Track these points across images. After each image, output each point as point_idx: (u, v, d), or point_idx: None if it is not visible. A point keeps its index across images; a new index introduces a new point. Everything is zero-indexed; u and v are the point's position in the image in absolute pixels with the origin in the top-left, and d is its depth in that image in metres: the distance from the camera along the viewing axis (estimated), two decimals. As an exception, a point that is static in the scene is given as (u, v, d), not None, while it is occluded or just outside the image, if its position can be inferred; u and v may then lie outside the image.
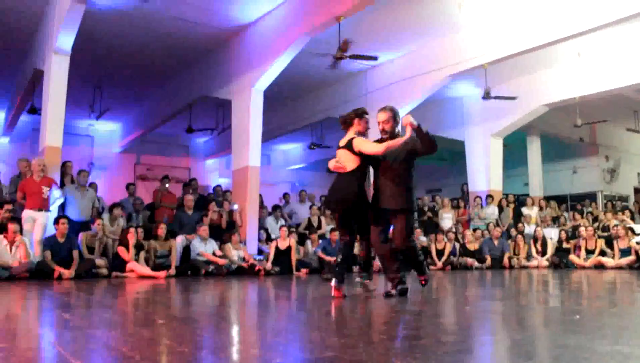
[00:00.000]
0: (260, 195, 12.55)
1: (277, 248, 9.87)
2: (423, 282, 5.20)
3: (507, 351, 2.45)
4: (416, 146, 4.71)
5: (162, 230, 9.04)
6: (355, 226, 4.83)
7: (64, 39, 8.78)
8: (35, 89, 11.41)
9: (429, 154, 4.80)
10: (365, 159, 4.77)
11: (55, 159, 8.88)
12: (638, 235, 11.05)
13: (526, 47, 9.98)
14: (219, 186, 12.95)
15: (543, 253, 11.91)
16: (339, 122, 4.96)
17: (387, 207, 4.76)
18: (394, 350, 2.50)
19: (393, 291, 4.74)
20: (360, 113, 4.88)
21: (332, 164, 4.91)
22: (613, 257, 10.89)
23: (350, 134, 4.82)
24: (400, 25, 10.65)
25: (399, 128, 4.91)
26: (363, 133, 4.86)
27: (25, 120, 14.82)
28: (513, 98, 11.96)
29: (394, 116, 4.87)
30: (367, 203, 4.85)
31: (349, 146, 4.72)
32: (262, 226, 11.20)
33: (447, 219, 13.07)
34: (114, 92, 14.36)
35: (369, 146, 4.71)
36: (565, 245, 11.86)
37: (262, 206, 12.06)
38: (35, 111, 12.12)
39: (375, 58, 9.75)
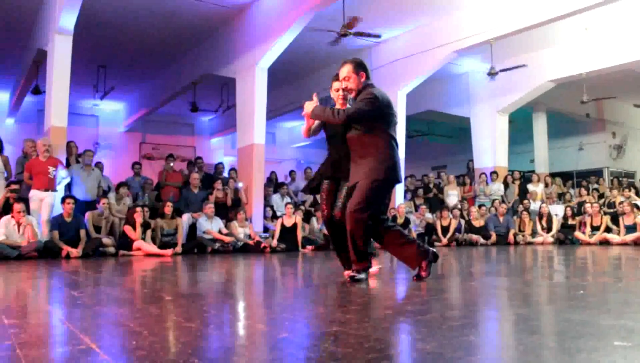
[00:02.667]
0: (273, 172, 12.62)
1: (282, 225, 9.91)
2: (348, 277, 4.06)
3: (511, 326, 2.47)
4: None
5: (168, 208, 9.08)
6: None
7: (67, 19, 8.74)
8: (39, 70, 11.40)
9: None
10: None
11: (60, 139, 8.91)
12: (644, 211, 11.02)
13: (532, 23, 9.88)
14: (220, 163, 12.97)
15: (548, 229, 11.92)
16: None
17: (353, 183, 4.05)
18: (399, 325, 2.52)
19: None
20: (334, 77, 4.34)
21: None
22: (618, 234, 10.89)
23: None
24: (405, 1, 10.54)
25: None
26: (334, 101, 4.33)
27: (30, 101, 14.84)
28: (523, 66, 11.83)
29: (356, 71, 4.11)
30: None
31: None
32: (267, 204, 11.24)
33: (452, 196, 13.09)
34: (118, 71, 14.33)
35: None
36: (570, 222, 11.87)
37: (276, 182, 12.15)
38: (39, 91, 12.12)
39: (378, 36, 9.65)
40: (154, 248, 8.35)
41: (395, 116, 4.19)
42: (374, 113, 3.98)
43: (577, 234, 11.39)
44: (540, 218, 12.10)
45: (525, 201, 12.73)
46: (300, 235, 10.04)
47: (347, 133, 4.11)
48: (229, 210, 10.15)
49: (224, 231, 9.48)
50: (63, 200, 8.17)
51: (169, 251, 8.34)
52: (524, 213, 12.22)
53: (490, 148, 14.37)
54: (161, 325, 2.48)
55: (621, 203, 11.39)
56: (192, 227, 9.51)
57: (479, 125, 14.63)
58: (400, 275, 4.92)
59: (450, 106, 15.48)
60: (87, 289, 4.01)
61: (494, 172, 13.61)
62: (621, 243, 10.54)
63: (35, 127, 15.14)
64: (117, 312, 2.87)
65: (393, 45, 12.37)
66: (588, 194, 13.57)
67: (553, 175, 15.46)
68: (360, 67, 4.13)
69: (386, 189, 4.13)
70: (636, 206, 11.32)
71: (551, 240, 11.70)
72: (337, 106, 4.26)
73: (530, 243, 11.66)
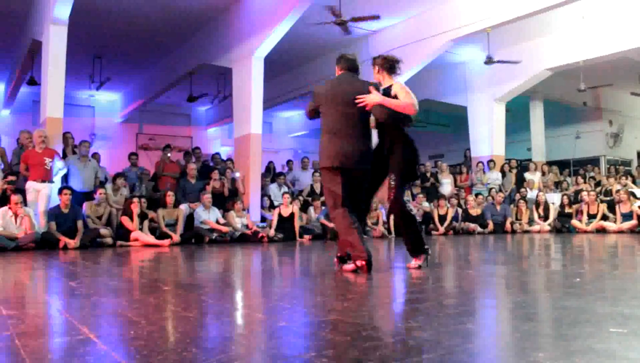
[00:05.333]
0: (271, 162, 12.63)
1: (280, 215, 9.92)
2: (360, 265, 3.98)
3: (508, 313, 2.48)
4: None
5: (170, 197, 9.05)
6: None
7: (61, 9, 8.66)
8: (34, 60, 11.32)
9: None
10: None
11: (56, 130, 8.86)
12: (640, 199, 11.06)
13: (530, 10, 9.83)
14: (217, 154, 12.96)
15: (545, 218, 11.95)
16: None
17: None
18: (396, 313, 2.53)
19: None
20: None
21: None
22: (615, 222, 10.91)
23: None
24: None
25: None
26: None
27: (26, 92, 14.78)
28: (516, 62, 11.85)
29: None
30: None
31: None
32: (265, 194, 11.24)
33: (446, 184, 13.07)
34: (114, 62, 14.25)
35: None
36: (567, 210, 11.89)
37: (273, 172, 12.18)
38: (35, 82, 12.06)
39: (377, 17, 9.58)
40: (151, 239, 8.35)
41: None
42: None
43: (574, 222, 11.42)
44: (537, 207, 12.13)
45: (522, 190, 12.74)
46: (297, 224, 10.04)
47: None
48: (226, 200, 10.14)
49: (222, 221, 9.48)
50: (60, 191, 8.14)
51: (166, 242, 8.35)
52: (521, 201, 12.24)
53: (488, 137, 14.36)
54: (159, 314, 2.49)
55: (618, 191, 11.41)
56: (190, 217, 9.50)
57: (476, 114, 14.61)
58: (397, 264, 4.93)
59: (447, 94, 15.45)
60: (85, 279, 4.01)
61: (491, 160, 13.62)
62: (618, 231, 10.57)
63: (31, 118, 15.08)
64: (115, 302, 2.88)
65: (390, 33, 12.31)
66: (585, 182, 13.59)
67: (550, 163, 15.47)
68: (338, 62, 4.32)
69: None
70: (633, 194, 11.36)
71: (548, 228, 11.72)
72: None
73: (527, 232, 11.69)
